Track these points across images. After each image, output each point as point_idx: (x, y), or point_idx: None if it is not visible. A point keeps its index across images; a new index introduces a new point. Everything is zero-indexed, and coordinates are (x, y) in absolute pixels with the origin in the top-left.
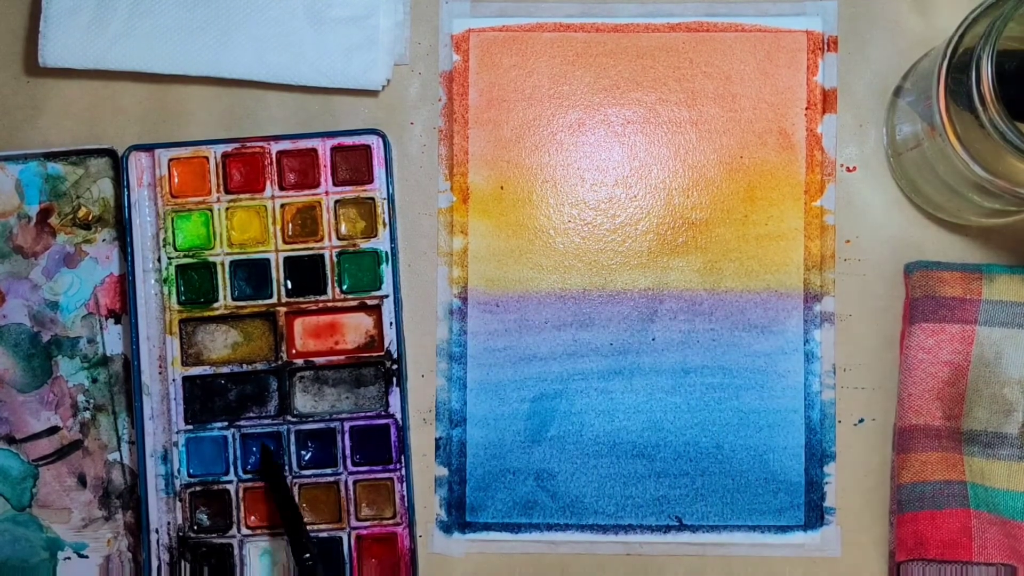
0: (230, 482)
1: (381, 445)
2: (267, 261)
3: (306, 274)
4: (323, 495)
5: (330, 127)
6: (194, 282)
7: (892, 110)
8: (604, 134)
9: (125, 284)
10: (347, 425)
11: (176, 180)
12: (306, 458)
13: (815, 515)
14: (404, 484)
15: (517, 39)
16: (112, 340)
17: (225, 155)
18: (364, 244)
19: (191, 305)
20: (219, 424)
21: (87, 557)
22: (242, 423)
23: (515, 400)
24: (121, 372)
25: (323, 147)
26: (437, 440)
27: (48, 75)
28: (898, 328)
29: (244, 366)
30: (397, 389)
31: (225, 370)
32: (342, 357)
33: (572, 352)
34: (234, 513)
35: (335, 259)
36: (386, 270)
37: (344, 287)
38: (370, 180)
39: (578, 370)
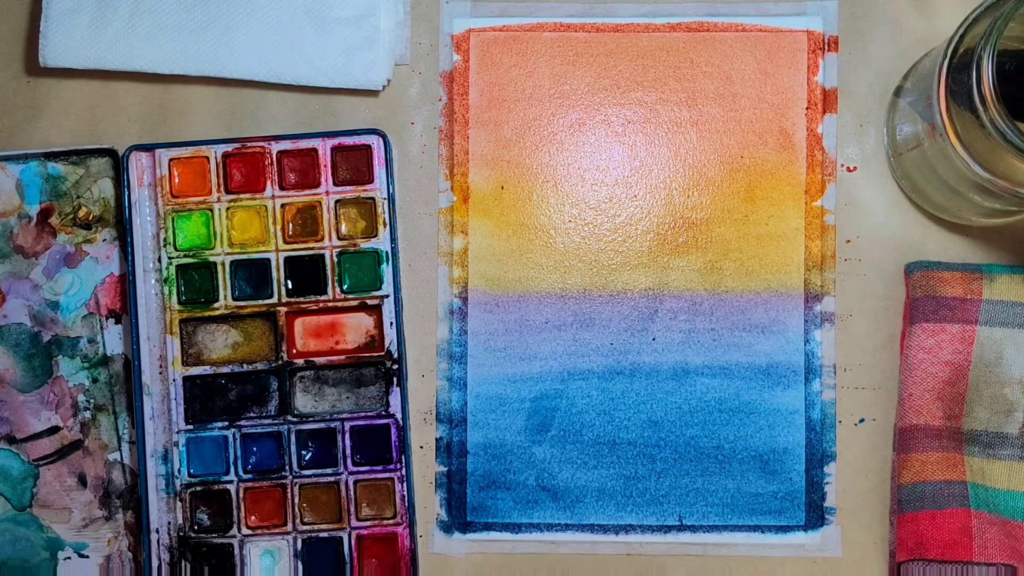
0: (230, 482)
1: (381, 445)
2: (267, 261)
3: (306, 274)
4: (323, 495)
5: (330, 127)
6: (194, 282)
7: (893, 110)
8: (604, 134)
9: (125, 284)
10: (347, 425)
11: (177, 180)
12: (307, 458)
13: (815, 515)
14: (404, 484)
15: (517, 39)
16: (112, 340)
17: (226, 155)
18: (364, 244)
19: (191, 305)
20: (219, 424)
21: (87, 557)
22: (242, 423)
23: (515, 400)
24: (121, 372)
25: (323, 147)
26: (437, 440)
27: (49, 75)
28: (898, 328)
29: (244, 366)
30: (397, 389)
31: (225, 370)
32: (342, 357)
33: (572, 352)
34: (234, 513)
35: (335, 259)
36: (386, 270)
37: (344, 287)
38: (370, 180)
39: (578, 370)
